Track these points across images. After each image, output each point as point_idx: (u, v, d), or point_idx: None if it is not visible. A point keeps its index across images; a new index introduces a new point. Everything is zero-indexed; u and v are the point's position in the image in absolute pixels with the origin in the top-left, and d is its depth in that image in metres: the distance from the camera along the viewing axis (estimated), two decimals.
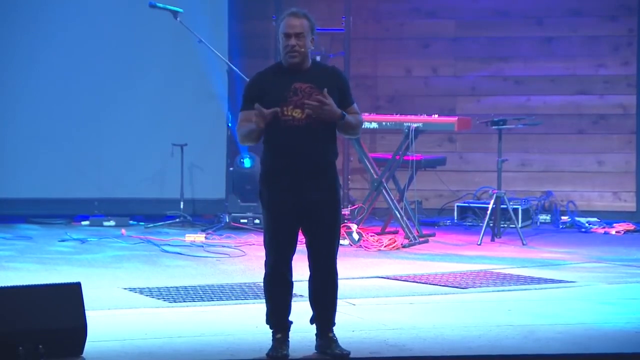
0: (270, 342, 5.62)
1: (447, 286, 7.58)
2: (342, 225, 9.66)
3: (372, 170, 9.95)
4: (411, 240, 9.56)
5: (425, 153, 10.39)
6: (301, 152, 5.44)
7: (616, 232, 10.55)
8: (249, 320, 6.40)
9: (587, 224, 10.81)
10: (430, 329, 6.20)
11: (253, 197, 10.64)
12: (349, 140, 10.33)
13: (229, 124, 10.79)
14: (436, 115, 9.80)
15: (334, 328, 5.66)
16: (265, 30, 11.55)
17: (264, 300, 7.00)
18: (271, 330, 5.66)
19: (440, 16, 11.54)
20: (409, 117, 9.85)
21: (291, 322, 5.68)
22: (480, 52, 11.46)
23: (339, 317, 6.55)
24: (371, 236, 9.55)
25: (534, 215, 11.12)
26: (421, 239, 9.71)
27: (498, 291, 7.42)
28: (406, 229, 9.65)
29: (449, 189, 11.36)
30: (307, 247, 5.65)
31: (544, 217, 11.17)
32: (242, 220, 10.46)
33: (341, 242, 9.43)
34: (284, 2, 11.48)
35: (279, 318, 5.64)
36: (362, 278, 7.98)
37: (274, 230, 5.55)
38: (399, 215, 9.71)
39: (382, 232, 9.96)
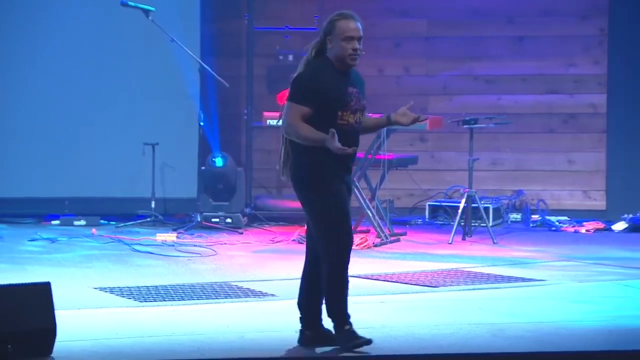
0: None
1: (418, 285, 7.59)
2: None
3: None
4: (383, 239, 9.57)
5: (397, 152, 10.41)
6: (351, 153, 5.52)
7: (586, 230, 10.62)
8: (220, 320, 6.39)
9: (557, 223, 10.86)
10: (401, 327, 6.21)
11: (225, 196, 10.63)
12: None
13: (201, 123, 10.77)
14: None
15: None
16: (238, 30, 11.54)
17: (235, 300, 7.03)
18: (336, 326, 5.55)
19: (412, 16, 11.57)
20: (380, 116, 9.84)
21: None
22: (452, 51, 11.49)
23: None
24: None
25: (504, 214, 11.17)
26: (393, 238, 9.73)
27: (469, 290, 7.44)
28: (378, 228, 9.66)
29: (420, 188, 11.38)
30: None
31: (515, 216, 11.22)
32: (213, 220, 10.44)
33: None
34: (256, 1, 11.48)
35: (346, 309, 5.60)
36: None
37: (345, 223, 5.53)
38: (370, 215, 9.72)
39: (354, 231, 9.95)
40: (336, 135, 5.38)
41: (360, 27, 5.61)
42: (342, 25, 5.56)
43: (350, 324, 5.56)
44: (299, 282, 7.79)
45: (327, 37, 5.61)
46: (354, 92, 5.58)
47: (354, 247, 9.15)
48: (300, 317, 5.73)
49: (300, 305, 5.73)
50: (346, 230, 5.55)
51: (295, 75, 5.62)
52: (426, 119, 5.71)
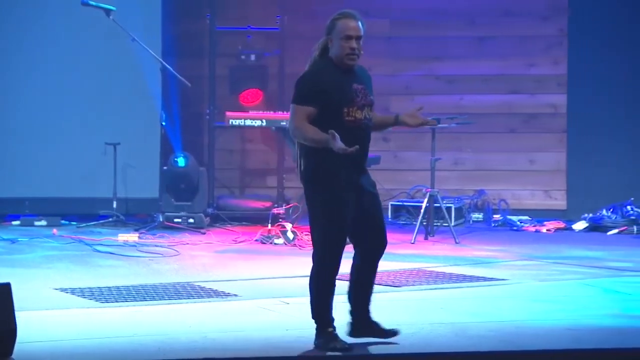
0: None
1: (381, 284, 7.60)
2: (276, 225, 9.68)
3: None
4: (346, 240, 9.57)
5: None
6: (360, 149, 5.49)
7: (547, 230, 10.69)
8: (183, 320, 6.37)
9: (518, 222, 10.93)
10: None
11: (187, 196, 10.59)
12: (284, 139, 10.32)
13: (163, 123, 10.73)
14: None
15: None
16: (200, 30, 11.50)
17: (198, 300, 7.01)
18: (318, 328, 5.58)
19: (375, 15, 11.58)
20: None
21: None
22: (414, 51, 11.53)
23: (272, 316, 6.55)
24: (306, 235, 9.55)
25: (466, 214, 11.23)
26: None
27: (431, 289, 7.46)
28: None
29: (383, 188, 11.36)
30: (353, 236, 5.62)
31: (477, 216, 11.27)
32: (175, 220, 10.40)
33: (276, 241, 9.54)
34: (218, 1, 11.45)
35: (330, 312, 5.62)
36: (297, 277, 7.98)
37: (338, 225, 5.52)
38: None
39: None
40: (337, 136, 5.36)
41: (360, 26, 5.61)
42: (341, 24, 5.60)
43: (334, 328, 5.59)
44: (261, 282, 7.82)
45: (329, 36, 5.64)
46: (360, 88, 5.58)
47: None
48: (350, 309, 5.73)
49: (350, 296, 5.73)
50: (337, 238, 5.53)
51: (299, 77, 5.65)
52: (435, 123, 5.72)
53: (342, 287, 5.73)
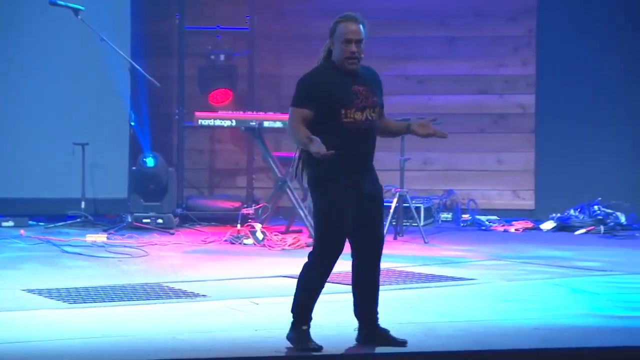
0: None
1: (349, 285, 7.60)
2: (246, 225, 9.67)
3: (276, 170, 9.95)
4: None
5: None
6: (358, 151, 5.56)
7: (515, 229, 10.74)
8: (151, 321, 6.35)
9: (487, 222, 10.98)
10: (333, 327, 6.22)
11: (156, 197, 10.56)
12: (253, 139, 10.32)
13: (132, 123, 10.69)
14: None
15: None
16: (169, 30, 11.47)
17: (166, 301, 6.99)
18: (293, 323, 5.62)
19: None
20: None
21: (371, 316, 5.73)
22: (384, 51, 11.54)
23: (241, 317, 6.54)
24: (275, 235, 9.55)
25: (435, 214, 11.26)
26: None
27: (400, 289, 7.48)
28: (310, 228, 9.67)
29: None
30: (352, 238, 5.64)
31: (446, 216, 11.31)
32: (144, 220, 10.37)
33: (245, 241, 9.53)
34: (187, 1, 11.43)
35: (311, 311, 5.65)
36: (266, 277, 7.98)
37: (337, 230, 5.55)
38: (303, 214, 9.74)
39: (286, 231, 9.97)
40: (316, 140, 5.37)
41: (361, 29, 5.62)
42: (341, 28, 5.62)
43: (309, 326, 5.60)
44: (230, 282, 7.81)
45: (331, 38, 5.67)
46: (361, 90, 5.59)
47: (286, 247, 9.32)
48: (357, 317, 5.76)
49: (354, 304, 5.77)
50: (335, 240, 5.55)
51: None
52: (445, 135, 5.73)
53: (330, 287, 5.73)
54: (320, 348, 5.56)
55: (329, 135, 5.50)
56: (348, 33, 5.59)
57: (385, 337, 5.67)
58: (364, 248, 5.68)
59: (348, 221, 5.57)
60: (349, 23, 5.62)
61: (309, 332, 5.62)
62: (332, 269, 5.64)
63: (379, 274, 5.77)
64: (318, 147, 5.38)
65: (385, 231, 9.56)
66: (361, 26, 5.64)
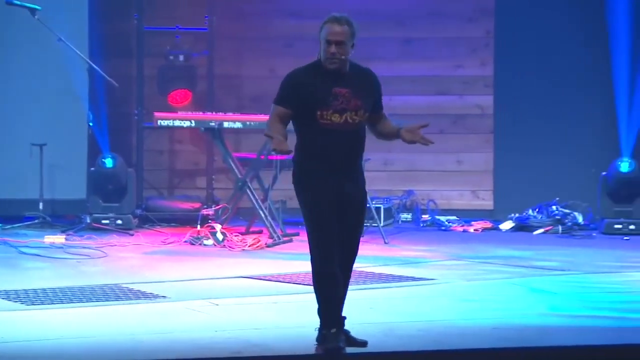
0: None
1: (310, 285, 7.60)
2: (206, 226, 9.64)
3: (236, 170, 9.93)
4: (275, 240, 9.58)
5: (290, 153, 10.41)
6: (337, 152, 5.54)
7: (474, 230, 10.80)
8: (110, 322, 6.32)
9: (447, 223, 11.02)
10: (293, 327, 6.23)
11: (115, 198, 10.51)
12: (213, 140, 10.29)
13: (90, 124, 10.62)
14: None
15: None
16: (127, 30, 11.41)
17: (126, 302, 6.97)
18: (320, 325, 5.62)
19: (304, 16, 11.59)
20: None
21: (345, 318, 5.68)
22: None
23: (201, 318, 6.52)
24: (235, 236, 9.54)
25: (395, 214, 11.29)
26: (285, 239, 9.74)
27: (360, 289, 7.48)
28: (270, 229, 9.67)
29: None
30: None
31: (406, 216, 11.34)
32: (103, 221, 10.31)
33: (205, 242, 9.50)
34: (146, 1, 11.38)
35: (335, 314, 5.63)
36: (226, 278, 7.97)
37: (322, 226, 5.57)
38: (263, 215, 9.73)
39: (247, 232, 9.95)
40: (276, 138, 5.41)
41: (343, 30, 5.59)
42: (325, 29, 5.62)
43: (338, 328, 5.59)
44: (190, 283, 7.79)
45: (319, 39, 5.64)
46: (343, 92, 5.56)
47: (246, 247, 9.30)
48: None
49: None
50: (323, 237, 5.56)
51: None
52: (429, 143, 5.74)
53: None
54: (341, 348, 5.54)
55: (309, 135, 5.57)
56: (328, 34, 5.60)
57: (345, 337, 5.67)
58: (340, 249, 5.66)
59: (330, 218, 5.57)
60: (331, 24, 5.62)
61: (336, 334, 5.59)
62: (334, 266, 5.58)
63: (349, 277, 5.76)
64: (277, 144, 5.41)
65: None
66: (346, 27, 5.61)
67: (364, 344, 5.66)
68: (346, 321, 5.73)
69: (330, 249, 5.60)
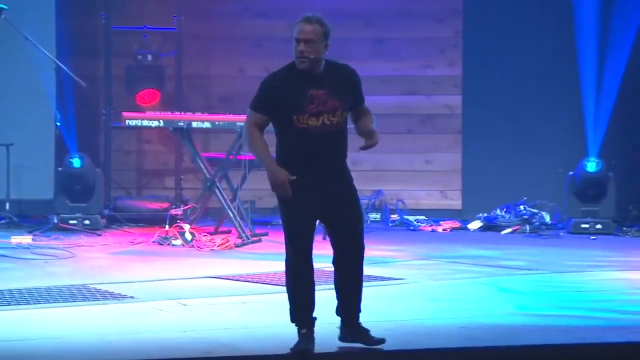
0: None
1: (279, 285, 7.61)
2: (174, 226, 9.61)
3: (204, 170, 9.91)
4: (244, 240, 9.57)
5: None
6: (316, 155, 5.54)
7: (443, 229, 10.83)
8: (78, 323, 6.29)
9: (415, 222, 11.05)
10: (261, 327, 6.22)
11: (82, 198, 10.46)
12: (182, 140, 10.26)
13: (58, 123, 10.57)
14: None
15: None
16: (95, 29, 11.37)
17: (93, 302, 6.93)
18: (296, 327, 5.64)
19: (273, 16, 11.60)
20: (241, 117, 9.84)
21: (315, 318, 5.68)
22: None
23: (169, 318, 6.51)
24: (204, 236, 9.52)
25: (364, 214, 11.29)
26: (254, 239, 9.73)
27: (329, 289, 7.44)
28: (239, 229, 9.66)
29: None
30: (331, 238, 5.70)
31: (374, 216, 11.36)
32: (71, 221, 10.27)
33: (173, 242, 9.48)
34: (114, 0, 11.33)
35: (304, 314, 5.64)
36: (194, 278, 7.95)
37: (294, 225, 5.58)
38: (232, 215, 9.71)
39: (215, 232, 9.94)
40: (274, 172, 5.49)
41: (313, 29, 5.58)
42: (295, 28, 5.63)
43: (309, 329, 5.61)
44: (158, 283, 7.77)
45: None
46: (319, 94, 5.55)
47: (215, 247, 9.28)
48: (338, 315, 5.78)
49: (337, 303, 5.79)
50: (296, 236, 5.58)
51: None
52: (367, 147, 5.73)
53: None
54: (307, 351, 5.55)
55: (288, 138, 5.57)
56: (298, 33, 5.60)
57: (364, 335, 5.68)
58: (340, 248, 5.69)
59: (306, 221, 5.58)
60: (302, 24, 5.63)
61: (307, 335, 5.61)
62: (305, 269, 5.62)
63: (359, 273, 5.75)
64: (277, 183, 5.53)
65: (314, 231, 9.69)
66: (317, 26, 5.60)
67: (381, 341, 5.65)
68: (315, 322, 5.73)
69: (304, 251, 5.62)
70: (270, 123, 5.63)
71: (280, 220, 5.72)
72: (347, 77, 5.69)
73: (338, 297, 5.78)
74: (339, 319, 5.77)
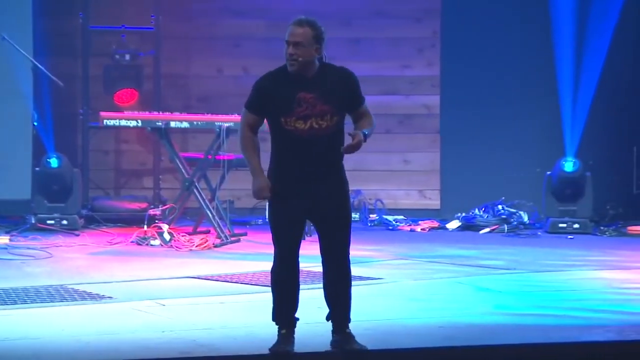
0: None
1: (258, 285, 7.61)
2: (152, 226, 9.59)
3: (183, 170, 9.89)
4: (223, 240, 9.56)
5: (237, 152, 10.32)
6: (306, 157, 5.53)
7: (421, 229, 10.85)
8: (56, 324, 6.26)
9: (394, 222, 11.06)
10: (240, 327, 6.22)
11: (60, 198, 10.42)
12: (160, 140, 10.24)
13: (35, 123, 10.52)
14: None
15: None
16: (72, 28, 11.32)
17: (71, 303, 6.91)
18: (277, 326, 5.65)
19: (251, 16, 11.59)
20: (220, 116, 9.85)
21: (297, 319, 5.68)
22: None
23: (148, 318, 6.49)
24: (182, 236, 9.50)
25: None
26: (233, 239, 9.72)
27: (307, 289, 7.44)
28: (218, 229, 9.65)
29: None
30: (320, 243, 5.71)
31: (353, 216, 11.29)
32: (48, 222, 10.23)
33: (152, 242, 9.45)
34: (91, 0, 11.29)
35: (285, 315, 5.64)
36: (173, 278, 7.94)
37: (281, 224, 5.59)
38: (210, 215, 9.70)
39: (194, 232, 9.92)
40: (259, 180, 5.51)
41: (303, 32, 5.58)
42: (287, 31, 5.63)
43: (289, 330, 5.62)
44: (137, 283, 7.75)
45: None
46: (308, 97, 5.53)
47: (194, 247, 9.27)
48: (330, 322, 5.81)
49: (329, 310, 5.81)
50: (282, 237, 5.60)
51: None
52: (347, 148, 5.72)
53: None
54: (287, 353, 5.57)
55: (279, 141, 5.57)
56: (287, 35, 5.62)
57: (350, 343, 5.67)
58: (325, 254, 5.73)
59: (293, 223, 5.60)
60: (292, 26, 5.64)
61: (286, 336, 5.62)
62: (290, 270, 5.64)
63: (343, 279, 5.74)
64: (259, 188, 5.54)
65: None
66: (307, 29, 5.60)
67: (363, 349, 5.65)
68: (297, 322, 5.73)
69: (289, 252, 5.63)
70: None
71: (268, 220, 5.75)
72: (342, 81, 5.67)
73: (328, 305, 5.79)
74: (321, 318, 5.78)
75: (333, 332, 5.74)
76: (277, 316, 5.68)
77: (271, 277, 5.70)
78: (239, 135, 5.67)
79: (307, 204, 5.59)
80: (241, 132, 5.64)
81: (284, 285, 5.67)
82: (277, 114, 5.52)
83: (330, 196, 5.64)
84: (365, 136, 5.68)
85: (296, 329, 5.72)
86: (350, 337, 5.69)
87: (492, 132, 11.43)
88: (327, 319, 5.77)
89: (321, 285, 7.65)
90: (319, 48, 5.60)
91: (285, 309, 5.67)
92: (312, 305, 6.86)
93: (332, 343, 5.73)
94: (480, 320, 6.55)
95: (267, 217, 5.76)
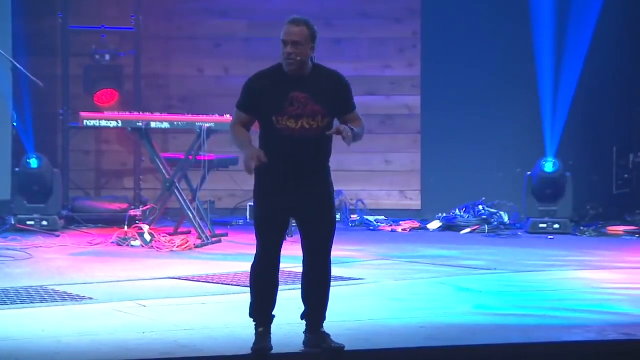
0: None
1: (239, 285, 7.60)
2: (133, 226, 9.56)
3: (163, 171, 9.87)
4: (204, 240, 9.55)
5: (218, 153, 10.38)
6: (295, 157, 5.53)
7: (402, 229, 10.86)
8: (35, 325, 6.24)
9: (375, 222, 11.07)
10: (221, 328, 6.22)
11: (40, 198, 10.38)
12: (140, 140, 10.21)
13: (14, 123, 10.48)
14: (228, 115, 9.81)
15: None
16: (52, 28, 11.28)
17: (51, 304, 6.89)
18: (254, 324, 5.65)
19: (232, 16, 11.58)
20: (201, 116, 9.83)
21: (274, 316, 5.68)
22: (271, 52, 11.38)
23: (128, 319, 6.48)
24: (163, 236, 9.48)
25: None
26: (214, 239, 9.71)
27: (289, 289, 7.46)
28: (198, 229, 9.63)
29: (241, 189, 11.40)
30: (302, 242, 5.72)
31: None
32: (28, 222, 10.19)
33: (132, 242, 9.43)
34: None
35: (262, 312, 5.65)
36: (154, 279, 7.92)
37: (263, 223, 5.60)
38: (191, 215, 9.68)
39: (175, 233, 9.90)
40: (250, 151, 5.43)
41: (300, 31, 5.58)
42: (282, 30, 5.62)
43: (265, 328, 5.63)
44: (117, 284, 7.73)
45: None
46: (301, 97, 5.53)
47: (175, 248, 9.25)
48: (304, 320, 5.83)
49: (304, 308, 5.84)
50: (264, 235, 5.60)
51: None
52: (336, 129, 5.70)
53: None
54: (265, 348, 5.56)
55: (268, 139, 5.57)
56: (283, 34, 5.61)
57: (325, 341, 5.68)
58: (307, 254, 5.75)
59: (277, 220, 5.61)
60: (288, 25, 5.64)
61: (263, 334, 5.62)
62: (270, 267, 5.65)
63: (323, 280, 5.76)
64: (250, 155, 5.45)
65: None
66: (303, 28, 5.61)
67: (340, 348, 5.65)
68: (274, 321, 5.73)
69: (271, 249, 5.64)
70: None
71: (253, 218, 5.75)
72: (334, 85, 5.69)
73: (304, 304, 5.79)
74: (302, 321, 5.77)
75: (306, 331, 5.75)
76: (254, 312, 5.69)
77: (251, 273, 5.71)
78: (230, 133, 5.66)
79: (293, 202, 5.60)
80: (231, 129, 5.65)
81: (264, 281, 5.68)
82: (269, 112, 5.54)
83: (316, 197, 5.64)
84: (352, 131, 5.64)
85: (279, 331, 5.72)
86: (325, 336, 5.71)
87: (473, 132, 11.46)
88: (302, 317, 5.77)
89: (294, 286, 7.67)
90: (313, 46, 5.63)
91: (263, 306, 5.68)
92: (292, 306, 6.87)
93: (306, 342, 5.74)
94: (461, 320, 6.57)
95: (248, 216, 5.77)
